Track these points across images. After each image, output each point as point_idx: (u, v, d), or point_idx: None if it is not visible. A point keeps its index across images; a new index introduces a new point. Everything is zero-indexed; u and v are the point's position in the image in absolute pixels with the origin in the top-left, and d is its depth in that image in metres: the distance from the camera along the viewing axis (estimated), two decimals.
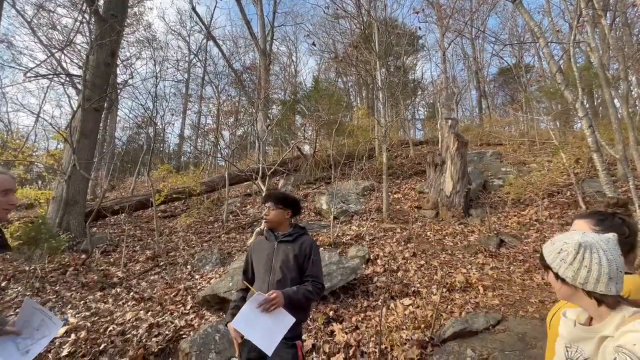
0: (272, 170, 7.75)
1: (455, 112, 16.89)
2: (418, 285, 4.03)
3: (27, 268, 4.66)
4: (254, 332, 1.53)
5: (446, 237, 5.59)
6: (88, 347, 2.98)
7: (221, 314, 3.61)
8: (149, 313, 3.63)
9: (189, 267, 5.13)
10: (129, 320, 3.46)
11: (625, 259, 1.01)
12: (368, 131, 11.31)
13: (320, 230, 6.16)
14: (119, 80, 12.98)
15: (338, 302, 3.71)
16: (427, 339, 2.90)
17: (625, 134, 5.07)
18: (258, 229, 5.85)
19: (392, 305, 3.57)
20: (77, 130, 6.32)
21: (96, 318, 3.52)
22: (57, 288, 4.35)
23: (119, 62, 12.52)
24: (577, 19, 4.62)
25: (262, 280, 1.79)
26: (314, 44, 17.78)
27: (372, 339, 2.95)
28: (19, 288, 4.26)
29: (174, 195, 8.65)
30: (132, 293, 4.21)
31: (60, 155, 8.51)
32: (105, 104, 8.81)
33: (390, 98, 10.28)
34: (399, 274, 4.34)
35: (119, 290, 4.34)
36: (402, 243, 5.30)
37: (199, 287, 4.36)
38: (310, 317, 3.22)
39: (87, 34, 11.56)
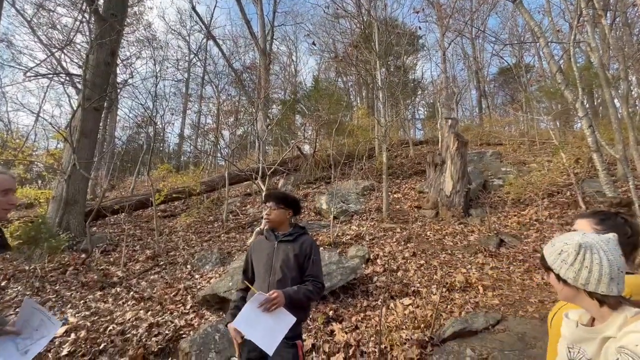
0: (272, 169, 7.74)
1: (455, 111, 16.89)
2: (418, 285, 4.03)
3: (27, 267, 4.66)
4: (255, 332, 1.53)
5: (446, 237, 5.59)
6: (88, 346, 2.98)
7: (221, 313, 3.61)
8: (149, 312, 3.63)
9: (188, 266, 5.13)
10: (129, 319, 3.46)
11: (627, 259, 1.01)
12: (368, 131, 11.30)
13: (320, 230, 6.16)
14: (119, 79, 12.98)
15: (338, 302, 3.71)
16: (426, 339, 2.90)
17: (625, 134, 5.07)
18: (258, 228, 5.85)
19: (391, 305, 3.56)
20: (77, 129, 6.32)
21: (96, 317, 3.52)
22: (57, 287, 4.35)
23: (119, 61, 12.51)
24: (578, 18, 4.62)
25: (262, 280, 1.79)
26: (314, 43, 17.80)
27: (372, 338, 2.95)
28: (19, 287, 4.26)
29: (174, 195, 8.65)
30: (132, 293, 4.21)
31: (60, 155, 8.50)
32: (105, 104, 8.81)
33: (390, 98, 10.29)
34: (399, 273, 4.34)
35: (118, 289, 4.33)
36: (402, 243, 5.30)
37: (198, 286, 4.35)
38: (310, 316, 3.22)
39: (87, 33, 11.57)
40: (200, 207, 8.38)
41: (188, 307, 3.78)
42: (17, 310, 3.21)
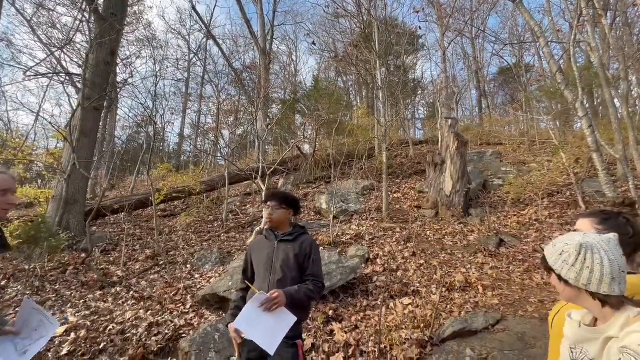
0: (272, 169, 7.74)
1: (455, 111, 16.88)
2: (417, 284, 4.03)
3: (27, 267, 4.65)
4: (256, 332, 1.53)
5: (446, 237, 5.59)
6: (88, 346, 2.97)
7: (221, 313, 3.61)
8: (149, 312, 3.62)
9: (188, 266, 5.13)
10: (129, 319, 3.45)
11: (629, 259, 1.01)
12: (368, 131, 11.30)
13: (320, 229, 6.16)
14: (118, 79, 12.98)
15: (338, 302, 3.71)
16: (426, 339, 2.90)
17: (625, 134, 5.08)
18: (258, 228, 5.85)
19: (391, 304, 3.56)
20: (77, 129, 6.31)
21: (96, 317, 3.52)
22: (56, 287, 4.35)
23: (118, 61, 12.49)
24: (578, 18, 4.62)
25: (262, 280, 1.79)
26: (314, 43, 17.78)
27: (372, 338, 2.95)
28: (19, 287, 4.26)
29: (174, 195, 8.64)
30: (131, 292, 4.21)
31: (60, 154, 8.50)
32: (105, 103, 8.81)
33: (390, 97, 10.29)
34: (399, 273, 4.34)
35: (118, 289, 4.33)
36: (402, 242, 5.30)
37: (198, 286, 4.35)
38: (310, 316, 3.22)
39: (87, 32, 11.55)
40: (200, 207, 8.37)
41: (188, 306, 3.78)
42: (17, 309, 3.21)
